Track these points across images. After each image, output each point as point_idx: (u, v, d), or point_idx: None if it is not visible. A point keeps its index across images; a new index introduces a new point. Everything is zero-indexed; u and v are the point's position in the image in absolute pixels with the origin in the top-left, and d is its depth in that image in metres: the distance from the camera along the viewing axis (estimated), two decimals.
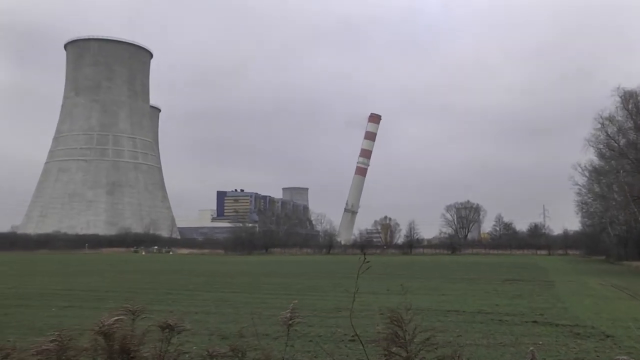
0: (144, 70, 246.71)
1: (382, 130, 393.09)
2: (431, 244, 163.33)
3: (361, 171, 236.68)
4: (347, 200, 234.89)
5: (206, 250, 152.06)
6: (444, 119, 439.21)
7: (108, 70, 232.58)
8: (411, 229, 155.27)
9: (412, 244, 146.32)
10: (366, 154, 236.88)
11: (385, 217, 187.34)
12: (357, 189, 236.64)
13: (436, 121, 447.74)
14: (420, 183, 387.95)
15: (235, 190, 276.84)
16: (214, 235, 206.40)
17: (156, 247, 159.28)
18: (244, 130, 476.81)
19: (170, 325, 7.50)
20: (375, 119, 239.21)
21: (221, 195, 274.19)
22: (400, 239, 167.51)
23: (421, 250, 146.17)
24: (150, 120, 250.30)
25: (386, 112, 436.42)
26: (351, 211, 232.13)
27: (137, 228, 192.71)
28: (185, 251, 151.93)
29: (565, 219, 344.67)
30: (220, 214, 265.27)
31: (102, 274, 47.86)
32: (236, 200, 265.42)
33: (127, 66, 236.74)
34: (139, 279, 40.70)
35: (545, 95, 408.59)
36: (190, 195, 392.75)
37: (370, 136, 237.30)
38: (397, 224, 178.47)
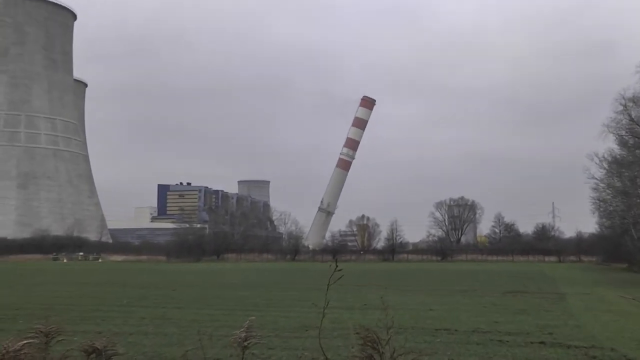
0: (65, 35, 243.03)
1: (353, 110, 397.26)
2: (417, 249, 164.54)
3: (344, 164, 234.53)
4: (322, 198, 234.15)
5: (144, 257, 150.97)
6: (433, 101, 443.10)
7: (18, 34, 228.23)
8: (393, 230, 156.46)
9: (395, 249, 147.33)
10: (352, 144, 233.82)
11: (363, 217, 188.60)
12: (337, 185, 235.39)
13: (424, 103, 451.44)
14: (405, 176, 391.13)
15: (181, 183, 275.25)
16: (154, 238, 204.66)
17: (81, 253, 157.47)
18: (192, 111, 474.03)
19: (98, 349, 7.34)
20: (367, 103, 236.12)
21: (163, 190, 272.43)
22: (380, 242, 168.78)
23: (405, 256, 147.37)
24: (74, 97, 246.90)
25: (364, 92, 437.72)
26: (326, 211, 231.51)
27: (58, 230, 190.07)
28: (118, 258, 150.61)
29: (579, 220, 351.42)
30: (162, 212, 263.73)
31: (12, 287, 47.06)
32: (181, 196, 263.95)
33: (43, 29, 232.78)
34: (59, 293, 40.13)
35: (555, 73, 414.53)
36: (124, 190, 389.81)
37: (360, 123, 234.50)
38: (377, 225, 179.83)
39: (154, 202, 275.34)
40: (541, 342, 18.29)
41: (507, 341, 18.48)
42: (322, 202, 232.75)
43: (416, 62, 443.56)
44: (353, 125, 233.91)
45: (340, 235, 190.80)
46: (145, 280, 55.93)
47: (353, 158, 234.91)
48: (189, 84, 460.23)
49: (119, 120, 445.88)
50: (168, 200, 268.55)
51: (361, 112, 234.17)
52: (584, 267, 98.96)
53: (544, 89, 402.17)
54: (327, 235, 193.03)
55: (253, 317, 8.92)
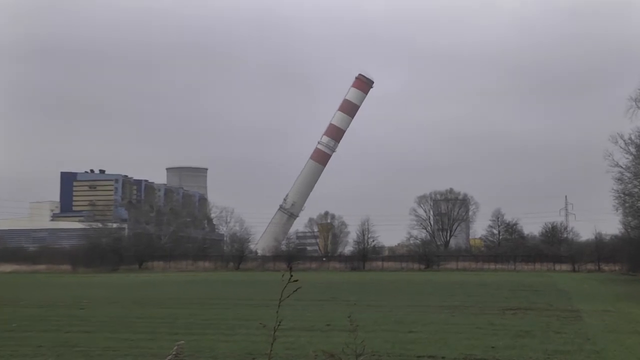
0: None
1: (318, 85, 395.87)
2: (395, 255, 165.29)
3: (321, 157, 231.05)
4: (286, 196, 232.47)
5: (43, 267, 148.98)
6: (415, 69, 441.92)
7: None
8: (364, 231, 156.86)
9: (366, 255, 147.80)
10: (335, 133, 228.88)
11: (326, 214, 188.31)
12: (307, 181, 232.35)
13: (406, 74, 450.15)
14: (380, 163, 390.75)
15: (91, 171, 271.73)
16: (56, 242, 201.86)
17: None
18: (107, 81, 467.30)
19: None
20: (362, 84, 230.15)
21: (68, 180, 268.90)
22: (348, 246, 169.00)
23: (379, 263, 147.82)
24: None
25: (326, 58, 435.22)
26: (289, 212, 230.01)
27: None
28: (7, 268, 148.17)
29: (598, 218, 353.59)
30: (66, 208, 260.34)
31: None
32: (92, 187, 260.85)
33: None
34: None
35: (568, 34, 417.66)
36: (16, 180, 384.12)
37: (349, 108, 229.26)
38: (344, 225, 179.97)
39: (55, 195, 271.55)
40: None
41: None
42: (285, 200, 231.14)
43: (396, 22, 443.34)
44: (340, 109, 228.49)
45: (298, 238, 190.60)
46: (43, 297, 55.23)
47: (334, 150, 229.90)
48: (103, 44, 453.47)
49: (7, 89, 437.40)
50: (75, 193, 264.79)
51: (353, 94, 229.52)
52: (605, 277, 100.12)
53: (555, 54, 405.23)
54: (271, 228, 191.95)
55: (182, 342, 8.78)
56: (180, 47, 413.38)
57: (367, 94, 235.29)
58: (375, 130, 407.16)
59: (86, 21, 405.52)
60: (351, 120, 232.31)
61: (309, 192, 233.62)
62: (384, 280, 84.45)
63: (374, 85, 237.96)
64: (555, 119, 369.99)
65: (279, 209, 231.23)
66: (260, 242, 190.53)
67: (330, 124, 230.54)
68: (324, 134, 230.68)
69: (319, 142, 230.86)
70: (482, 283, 76.00)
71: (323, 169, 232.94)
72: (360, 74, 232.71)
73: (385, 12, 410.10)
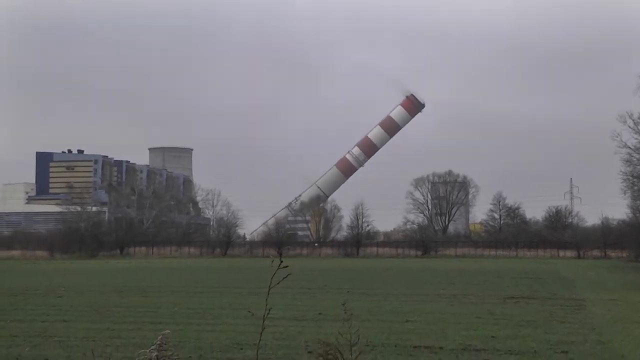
0: None
1: (314, 63, 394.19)
2: (390, 241, 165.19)
3: (347, 168, 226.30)
4: (298, 196, 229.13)
5: (17, 252, 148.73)
6: (411, 44, 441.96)
7: None
8: (358, 216, 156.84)
9: (360, 240, 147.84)
10: (368, 147, 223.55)
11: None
12: (323, 188, 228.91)
13: (399, 47, 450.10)
14: None
15: (69, 151, 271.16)
16: (31, 226, 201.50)
17: None
18: (86, 55, 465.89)
19: None
20: (410, 105, 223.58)
21: (44, 160, 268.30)
22: (341, 232, 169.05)
23: (374, 249, 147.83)
24: None
25: (321, 34, 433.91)
26: (295, 213, 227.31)
27: None
28: None
29: (605, 202, 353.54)
30: (42, 190, 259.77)
31: None
32: (70, 168, 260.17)
33: None
34: None
35: (572, 8, 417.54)
36: None
37: (390, 126, 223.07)
38: (337, 209, 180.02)
39: (31, 177, 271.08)
40: None
41: None
42: (295, 199, 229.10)
43: None
44: (380, 124, 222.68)
45: (288, 222, 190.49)
46: (18, 284, 55.07)
47: (362, 165, 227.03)
48: (82, 17, 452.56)
49: None
50: (51, 175, 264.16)
51: (398, 113, 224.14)
52: (611, 264, 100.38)
53: (561, 32, 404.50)
54: (271, 221, 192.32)
55: (167, 331, 8.81)
56: (164, 21, 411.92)
57: (413, 117, 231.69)
58: (370, 109, 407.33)
59: None
60: (389, 139, 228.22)
61: (322, 200, 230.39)
62: (379, 267, 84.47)
63: (423, 109, 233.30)
64: (560, 98, 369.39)
65: (286, 207, 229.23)
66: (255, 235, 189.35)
67: (366, 137, 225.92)
68: (357, 145, 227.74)
69: (348, 152, 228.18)
70: (482, 270, 76.07)
71: (345, 180, 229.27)
72: (411, 94, 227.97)
73: None
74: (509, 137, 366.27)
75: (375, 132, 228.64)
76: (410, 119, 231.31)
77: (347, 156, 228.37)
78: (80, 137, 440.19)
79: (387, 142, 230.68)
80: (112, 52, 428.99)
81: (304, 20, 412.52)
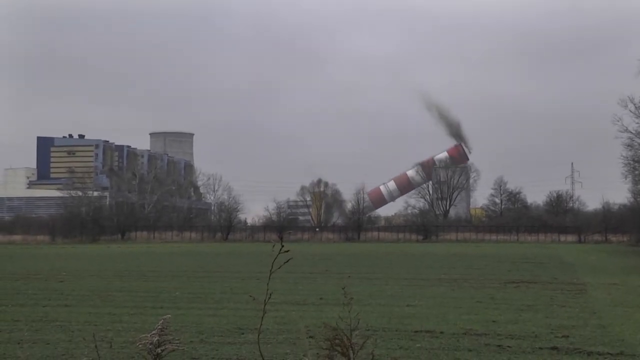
0: None
1: (315, 47, 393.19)
2: (391, 225, 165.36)
3: (378, 200, 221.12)
4: None
5: (18, 237, 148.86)
6: (413, 29, 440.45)
7: None
8: (359, 200, 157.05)
9: (361, 225, 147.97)
10: (404, 185, 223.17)
11: (319, 182, 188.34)
12: None
13: (399, 35, 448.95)
14: (376, 129, 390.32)
15: (70, 136, 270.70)
16: (32, 211, 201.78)
17: None
18: (86, 39, 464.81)
19: None
20: (456, 154, 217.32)
21: (45, 144, 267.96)
22: (342, 216, 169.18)
23: (375, 234, 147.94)
24: None
25: (324, 17, 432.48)
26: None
27: None
28: None
29: (606, 186, 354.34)
30: (44, 175, 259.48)
31: None
32: (71, 153, 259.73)
33: None
34: None
35: None
36: None
37: (429, 168, 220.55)
38: (338, 193, 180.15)
39: (32, 161, 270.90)
40: (553, 348, 18.55)
41: (509, 347, 18.68)
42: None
43: None
44: (421, 164, 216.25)
45: (289, 207, 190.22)
46: (19, 269, 54.99)
47: (393, 200, 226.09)
48: (82, 3, 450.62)
49: None
50: (52, 159, 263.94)
51: (440, 159, 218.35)
52: (612, 249, 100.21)
53: (562, 15, 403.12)
54: (271, 206, 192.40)
55: (168, 316, 8.83)
56: (164, 4, 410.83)
57: (455, 166, 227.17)
58: (371, 94, 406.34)
59: None
60: (426, 182, 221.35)
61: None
62: (380, 252, 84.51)
63: (467, 163, 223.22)
64: (560, 81, 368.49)
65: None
66: None
67: (404, 174, 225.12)
68: (394, 179, 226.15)
69: (383, 184, 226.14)
70: (483, 255, 76.08)
71: (373, 210, 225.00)
72: (460, 144, 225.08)
73: None
74: (511, 121, 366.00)
75: (414, 172, 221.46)
76: (447, 173, 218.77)
77: (381, 188, 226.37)
78: (81, 121, 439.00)
79: (423, 184, 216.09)
80: (113, 36, 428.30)
81: (304, 2, 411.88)
